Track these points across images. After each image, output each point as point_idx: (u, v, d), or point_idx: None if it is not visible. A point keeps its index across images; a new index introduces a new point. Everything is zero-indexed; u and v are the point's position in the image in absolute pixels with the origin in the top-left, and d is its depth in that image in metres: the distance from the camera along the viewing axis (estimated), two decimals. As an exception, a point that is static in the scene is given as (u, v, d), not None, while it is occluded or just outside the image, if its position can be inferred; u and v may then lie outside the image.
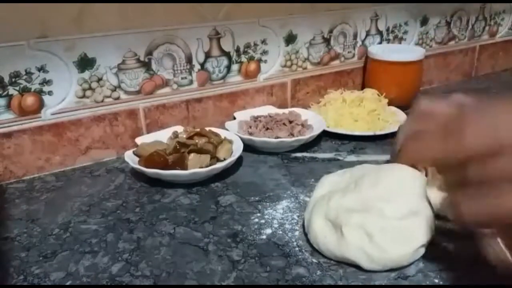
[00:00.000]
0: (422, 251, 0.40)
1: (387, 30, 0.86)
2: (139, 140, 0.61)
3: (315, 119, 0.68)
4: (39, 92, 0.57)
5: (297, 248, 0.43)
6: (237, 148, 0.59)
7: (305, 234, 0.44)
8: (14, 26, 0.52)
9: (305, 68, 0.78)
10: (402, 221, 0.39)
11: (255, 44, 0.71)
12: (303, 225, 0.46)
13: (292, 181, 0.56)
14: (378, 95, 0.74)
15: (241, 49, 0.70)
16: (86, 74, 0.59)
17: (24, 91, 0.56)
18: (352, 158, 0.62)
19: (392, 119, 0.71)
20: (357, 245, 0.39)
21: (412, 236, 0.39)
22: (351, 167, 0.48)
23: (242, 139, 0.61)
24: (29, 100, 0.56)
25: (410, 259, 0.39)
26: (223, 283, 0.39)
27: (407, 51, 0.81)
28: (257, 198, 0.52)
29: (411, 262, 0.40)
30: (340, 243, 0.40)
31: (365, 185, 0.42)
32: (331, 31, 0.79)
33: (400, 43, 0.89)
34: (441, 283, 0.38)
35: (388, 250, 0.38)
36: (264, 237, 0.45)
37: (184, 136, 0.60)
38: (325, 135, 0.68)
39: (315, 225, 0.42)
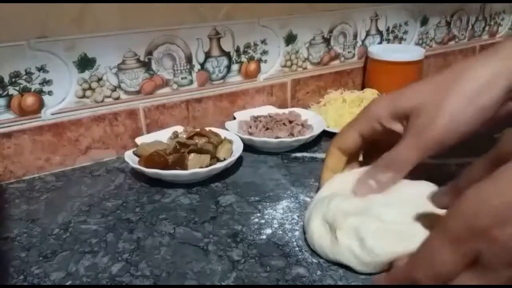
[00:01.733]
0: None
1: (387, 30, 0.86)
2: (139, 140, 0.61)
3: (315, 119, 0.68)
4: (39, 92, 0.57)
5: (297, 248, 0.43)
6: (237, 148, 0.59)
7: (304, 233, 0.44)
8: (14, 26, 0.52)
9: (305, 68, 0.78)
10: (398, 226, 0.38)
11: (255, 44, 0.71)
12: (303, 225, 0.46)
13: (292, 181, 0.56)
14: (378, 95, 0.74)
15: (241, 49, 0.70)
16: (86, 74, 0.59)
17: (24, 91, 0.56)
18: (352, 158, 0.62)
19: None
20: (349, 249, 0.38)
21: (407, 239, 0.37)
22: None
23: (242, 139, 0.61)
24: (29, 100, 0.56)
25: None
26: (223, 283, 0.39)
27: (407, 51, 0.81)
28: (257, 198, 0.52)
29: None
30: (333, 245, 0.40)
31: None
32: (331, 31, 0.79)
33: (400, 43, 0.89)
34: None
35: (379, 253, 0.37)
36: (264, 237, 0.45)
37: (184, 136, 0.60)
38: (325, 135, 0.67)
39: (312, 224, 0.42)
